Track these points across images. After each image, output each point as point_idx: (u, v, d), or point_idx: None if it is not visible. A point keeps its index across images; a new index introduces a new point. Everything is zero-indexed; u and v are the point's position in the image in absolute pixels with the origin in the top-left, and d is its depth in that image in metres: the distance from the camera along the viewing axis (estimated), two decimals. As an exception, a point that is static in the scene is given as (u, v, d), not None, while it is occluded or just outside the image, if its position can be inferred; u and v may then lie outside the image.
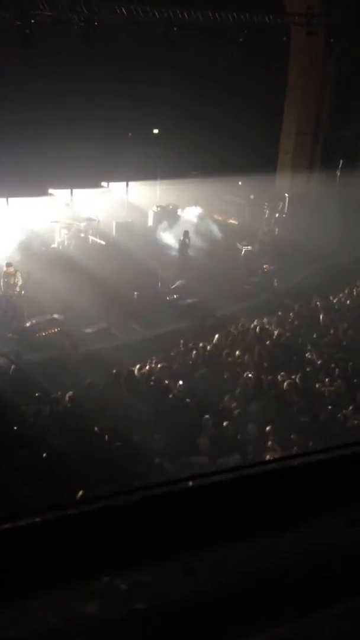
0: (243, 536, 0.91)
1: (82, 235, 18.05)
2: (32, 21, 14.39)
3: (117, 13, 15.53)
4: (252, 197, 21.00)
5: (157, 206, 20.10)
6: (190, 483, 0.95)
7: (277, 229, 20.45)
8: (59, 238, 17.66)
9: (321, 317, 13.94)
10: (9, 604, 0.76)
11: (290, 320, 13.89)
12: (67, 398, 9.65)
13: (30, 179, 16.61)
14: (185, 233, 17.79)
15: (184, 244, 17.53)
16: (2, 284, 14.41)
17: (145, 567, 0.83)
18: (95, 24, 15.14)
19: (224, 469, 1.02)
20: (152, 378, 10.58)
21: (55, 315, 13.51)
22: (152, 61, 17.65)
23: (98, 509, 0.87)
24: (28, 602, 0.76)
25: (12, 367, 11.09)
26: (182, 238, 17.65)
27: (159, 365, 11.02)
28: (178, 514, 0.92)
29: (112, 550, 0.86)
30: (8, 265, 14.57)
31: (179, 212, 19.94)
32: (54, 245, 17.38)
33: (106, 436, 8.60)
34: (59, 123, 16.82)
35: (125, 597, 0.82)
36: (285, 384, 10.26)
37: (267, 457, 7.80)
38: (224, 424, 8.92)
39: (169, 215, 19.70)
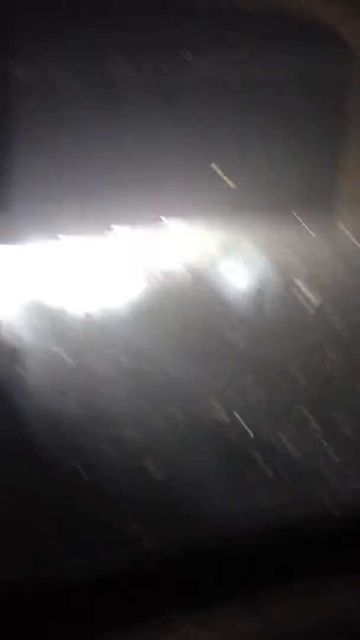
0: (312, 589, 0.89)
1: (140, 271, 18.21)
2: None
3: (181, 58, 15.92)
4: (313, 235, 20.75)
5: (218, 243, 20.14)
6: (253, 529, 0.95)
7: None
8: (118, 274, 17.84)
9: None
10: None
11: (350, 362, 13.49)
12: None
13: (94, 216, 16.91)
14: (252, 269, 17.58)
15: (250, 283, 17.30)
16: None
17: (211, 612, 0.83)
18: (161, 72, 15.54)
19: (287, 518, 1.01)
20: (204, 417, 10.40)
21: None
22: (214, 100, 17.90)
23: (157, 551, 0.88)
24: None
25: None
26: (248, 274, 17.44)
27: (210, 405, 10.83)
28: (241, 560, 0.92)
29: (173, 594, 0.86)
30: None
31: (239, 249, 19.93)
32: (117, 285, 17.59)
33: (153, 472, 8.47)
34: (122, 159, 17.09)
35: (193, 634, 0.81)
36: (348, 429, 9.90)
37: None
38: (258, 460, 8.65)
39: (230, 253, 19.71)
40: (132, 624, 0.79)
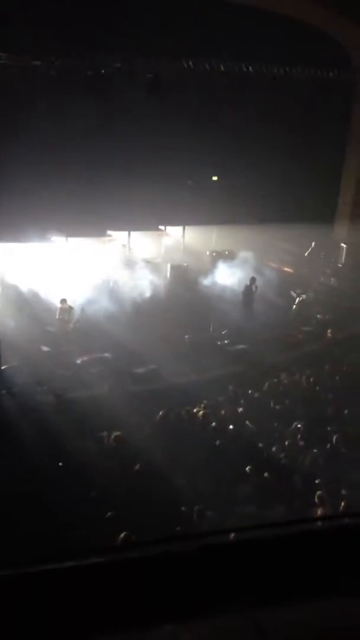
0: (316, 595, 0.86)
1: (137, 276, 18.35)
2: (102, 71, 15.09)
3: (184, 67, 16.10)
4: (313, 244, 20.90)
5: (213, 251, 20.29)
6: (252, 535, 0.92)
7: (333, 279, 20.29)
8: (114, 277, 17.99)
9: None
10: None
11: (342, 370, 13.62)
12: (113, 437, 9.66)
13: (90, 220, 17.11)
14: (253, 279, 17.78)
15: (249, 290, 17.49)
16: (56, 319, 14.75)
17: (210, 620, 0.80)
18: (162, 76, 15.72)
19: (285, 522, 0.99)
20: (200, 422, 10.50)
21: (106, 354, 13.66)
22: (215, 110, 18.11)
23: (157, 555, 0.85)
24: None
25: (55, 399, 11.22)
26: (248, 284, 17.63)
27: (206, 410, 10.94)
28: (243, 566, 0.89)
29: (172, 599, 0.84)
30: (63, 301, 14.93)
31: (234, 258, 20.06)
32: (110, 284, 17.73)
33: (149, 478, 8.53)
34: (121, 167, 17.37)
35: None
36: (335, 437, 10.02)
37: (319, 512, 7.57)
38: (265, 474, 8.74)
39: (224, 260, 19.83)
40: (120, 627, 0.77)
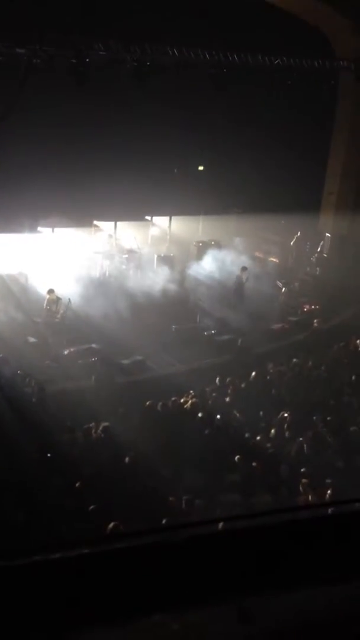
0: (299, 583, 0.88)
1: (124, 267, 18.29)
2: (87, 60, 14.93)
3: (168, 54, 15.97)
4: (299, 234, 20.93)
5: (199, 242, 20.26)
6: (239, 524, 0.94)
7: (318, 269, 20.36)
8: (101, 268, 17.93)
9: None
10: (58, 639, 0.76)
11: (328, 360, 13.72)
12: (100, 428, 9.67)
13: (76, 210, 17.00)
14: (243, 269, 17.78)
15: (240, 280, 17.45)
16: (44, 310, 14.67)
17: (196, 608, 0.82)
18: (148, 64, 15.60)
19: (272, 511, 1.01)
20: (187, 412, 10.54)
21: (93, 345, 13.63)
22: (200, 100, 18.02)
23: (145, 545, 0.87)
24: (79, 638, 0.76)
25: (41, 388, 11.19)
26: (239, 274, 17.57)
27: (193, 400, 10.98)
28: (228, 556, 0.91)
29: (160, 589, 0.85)
30: (50, 292, 14.84)
31: (220, 248, 20.05)
32: (96, 275, 17.65)
33: (136, 469, 8.56)
34: (106, 157, 17.27)
35: (179, 637, 0.79)
36: (320, 425, 10.11)
37: (305, 500, 7.65)
38: (253, 464, 8.80)
39: (210, 250, 19.82)
40: (109, 616, 0.78)
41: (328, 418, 10.46)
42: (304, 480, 8.21)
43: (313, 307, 17.57)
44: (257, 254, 20.53)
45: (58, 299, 14.75)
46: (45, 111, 15.84)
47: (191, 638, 0.76)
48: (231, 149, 19.47)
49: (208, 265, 18.97)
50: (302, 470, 8.60)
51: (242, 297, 17.30)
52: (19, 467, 8.17)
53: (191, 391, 11.53)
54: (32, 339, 13.77)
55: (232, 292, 17.46)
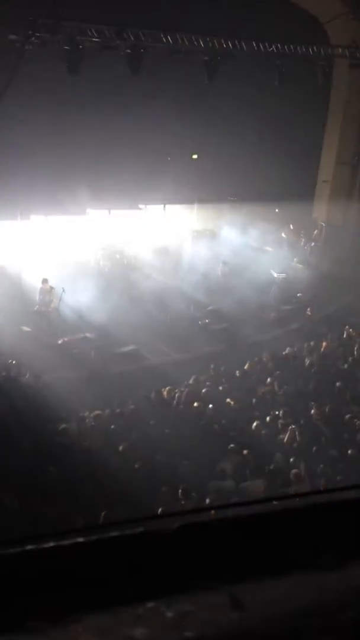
0: (291, 570, 0.89)
1: (118, 256, 18.25)
2: (80, 47, 14.79)
3: (162, 41, 15.85)
4: (291, 227, 20.98)
5: (194, 230, 20.23)
6: (232, 512, 0.95)
7: (312, 258, 20.37)
8: (95, 257, 17.88)
9: (355, 348, 13.79)
10: (49, 627, 0.76)
11: (322, 349, 13.77)
12: (93, 417, 9.68)
13: (69, 199, 16.93)
14: (224, 263, 17.88)
15: (222, 274, 17.57)
16: (37, 300, 14.63)
17: (189, 596, 0.82)
18: (142, 51, 15.48)
19: (265, 499, 1.02)
20: (181, 401, 10.56)
21: (88, 334, 13.62)
22: (194, 87, 17.92)
23: (138, 533, 0.87)
24: (70, 626, 0.76)
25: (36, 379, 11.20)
26: (221, 266, 17.69)
27: (187, 389, 11.01)
28: (221, 544, 0.91)
29: (153, 577, 0.85)
30: (44, 281, 14.80)
31: (215, 237, 20.03)
32: (90, 264, 17.61)
33: (130, 457, 8.59)
34: (99, 145, 17.16)
35: (173, 625, 0.80)
36: (313, 414, 10.16)
37: (297, 488, 7.70)
38: (245, 452, 8.84)
39: (204, 239, 19.80)
40: (100, 605, 0.79)
41: (322, 407, 10.51)
42: (295, 471, 8.26)
43: (306, 295, 17.60)
44: (251, 242, 20.53)
45: (52, 288, 14.71)
46: (38, 98, 15.71)
47: (187, 626, 0.76)
48: (225, 137, 19.38)
49: (202, 254, 18.96)
50: (294, 458, 8.65)
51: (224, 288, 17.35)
52: (14, 456, 8.18)
53: (186, 380, 11.55)
54: (26, 329, 13.75)
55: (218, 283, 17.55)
